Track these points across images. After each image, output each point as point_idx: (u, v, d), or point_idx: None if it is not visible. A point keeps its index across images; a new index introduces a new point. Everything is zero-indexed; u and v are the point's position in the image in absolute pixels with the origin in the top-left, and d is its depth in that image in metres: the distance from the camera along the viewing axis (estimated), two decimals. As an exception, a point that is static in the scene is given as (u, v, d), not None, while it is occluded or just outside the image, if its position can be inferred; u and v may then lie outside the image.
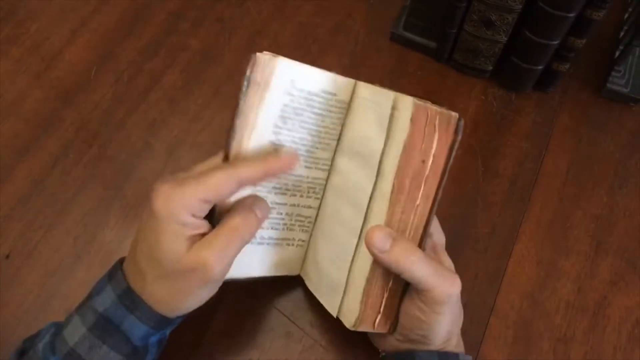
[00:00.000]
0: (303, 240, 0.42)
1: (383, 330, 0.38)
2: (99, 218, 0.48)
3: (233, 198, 0.35)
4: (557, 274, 0.47)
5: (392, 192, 0.34)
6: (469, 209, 0.50)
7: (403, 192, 0.34)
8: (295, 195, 0.39)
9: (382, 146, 0.35)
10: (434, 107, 0.34)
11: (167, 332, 0.37)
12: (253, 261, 0.39)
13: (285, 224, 0.40)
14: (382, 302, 0.37)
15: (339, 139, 0.39)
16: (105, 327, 0.34)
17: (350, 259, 0.37)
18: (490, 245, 0.48)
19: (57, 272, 0.46)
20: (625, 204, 0.50)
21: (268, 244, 0.40)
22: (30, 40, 0.56)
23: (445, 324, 0.36)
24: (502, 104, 0.55)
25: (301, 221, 0.41)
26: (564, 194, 0.51)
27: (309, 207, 0.40)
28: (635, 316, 0.46)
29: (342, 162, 0.39)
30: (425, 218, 0.35)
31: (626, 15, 0.57)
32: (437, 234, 0.41)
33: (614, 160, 0.52)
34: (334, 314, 0.39)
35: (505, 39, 0.50)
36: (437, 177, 0.35)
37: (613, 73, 0.54)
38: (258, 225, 0.35)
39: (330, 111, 0.38)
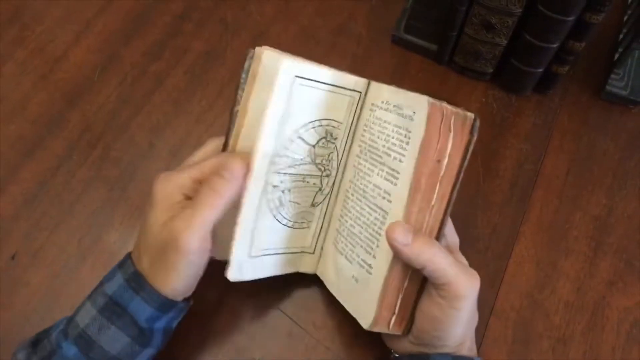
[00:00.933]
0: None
1: (397, 331, 0.37)
2: (103, 219, 0.49)
3: None
4: (557, 274, 0.48)
5: (409, 191, 0.34)
6: (470, 209, 0.50)
7: (419, 192, 0.34)
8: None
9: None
10: (450, 107, 0.34)
11: (173, 323, 0.38)
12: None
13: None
14: (397, 302, 0.36)
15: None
16: (113, 309, 0.35)
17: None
18: (491, 245, 0.49)
19: (62, 273, 0.46)
20: (624, 206, 0.51)
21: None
22: (35, 42, 0.57)
23: (461, 323, 0.36)
24: (502, 106, 0.55)
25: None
26: (564, 195, 0.51)
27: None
28: (633, 316, 0.46)
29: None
30: (440, 219, 0.35)
31: (625, 18, 0.58)
32: (451, 236, 0.41)
33: (613, 162, 0.53)
34: (353, 314, 0.38)
35: (506, 42, 0.50)
36: (453, 177, 0.35)
37: (612, 75, 0.55)
38: (231, 188, 0.34)
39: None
